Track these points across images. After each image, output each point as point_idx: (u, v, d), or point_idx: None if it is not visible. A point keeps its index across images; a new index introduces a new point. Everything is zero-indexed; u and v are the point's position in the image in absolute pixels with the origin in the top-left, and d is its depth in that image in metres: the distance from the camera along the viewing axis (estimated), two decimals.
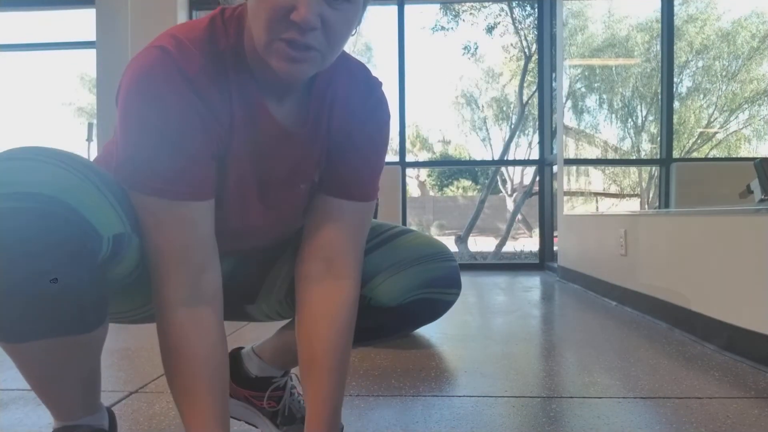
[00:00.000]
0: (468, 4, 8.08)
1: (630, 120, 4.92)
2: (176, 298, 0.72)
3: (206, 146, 0.71)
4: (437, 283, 0.88)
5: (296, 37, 0.64)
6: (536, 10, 5.13)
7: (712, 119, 4.38)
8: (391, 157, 4.67)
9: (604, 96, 5.18)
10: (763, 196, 2.31)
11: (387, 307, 0.86)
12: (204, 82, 0.68)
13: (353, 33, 0.73)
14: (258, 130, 0.75)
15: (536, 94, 5.31)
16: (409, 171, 12.00)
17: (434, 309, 0.90)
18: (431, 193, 13.34)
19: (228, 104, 0.72)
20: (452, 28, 8.44)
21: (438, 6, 8.05)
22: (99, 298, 0.71)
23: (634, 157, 5.01)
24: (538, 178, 4.94)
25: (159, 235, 0.71)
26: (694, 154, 4.45)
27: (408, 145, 6.26)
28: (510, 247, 8.69)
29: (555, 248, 4.36)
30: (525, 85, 8.29)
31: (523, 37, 8.23)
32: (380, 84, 0.84)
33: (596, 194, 5.16)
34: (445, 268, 0.90)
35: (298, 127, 0.78)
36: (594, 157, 5.37)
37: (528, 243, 8.75)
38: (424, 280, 0.87)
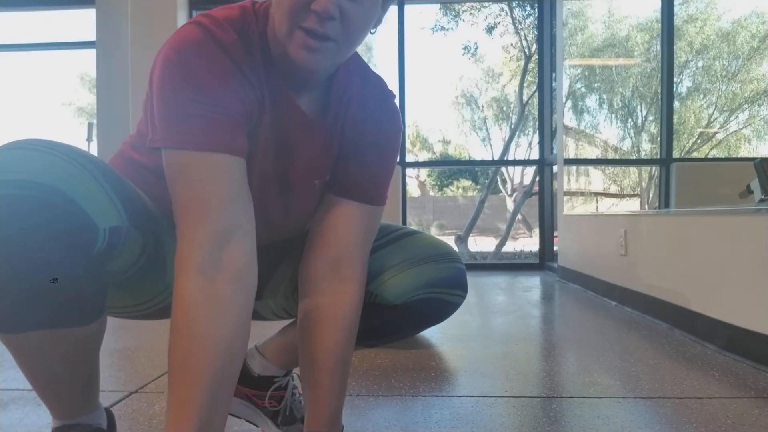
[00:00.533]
0: (468, 4, 8.08)
1: (630, 120, 4.92)
2: (192, 264, 0.66)
3: (241, 107, 0.71)
4: (443, 284, 0.88)
5: (315, 26, 0.66)
6: (536, 10, 5.13)
7: (712, 119, 4.38)
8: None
9: (604, 96, 5.18)
10: (763, 196, 2.31)
11: (393, 304, 0.87)
12: (237, 52, 0.70)
13: (372, 32, 0.75)
14: (283, 116, 0.76)
15: (536, 94, 5.31)
16: (409, 171, 11.99)
17: (439, 309, 0.90)
18: (431, 193, 13.35)
19: (257, 77, 0.73)
20: (452, 28, 8.45)
21: (438, 6, 8.05)
22: (96, 291, 0.71)
23: (634, 157, 5.01)
24: (538, 178, 4.94)
25: (188, 191, 0.67)
26: (694, 154, 4.45)
27: (408, 145, 6.26)
28: (510, 247, 8.70)
29: (555, 248, 4.36)
30: (525, 85, 8.29)
31: (523, 37, 8.23)
32: (394, 96, 0.86)
33: (596, 194, 5.16)
34: (452, 269, 0.90)
35: (320, 117, 0.79)
36: (594, 157, 5.37)
37: (528, 243, 8.76)
38: (430, 279, 0.87)
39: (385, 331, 0.93)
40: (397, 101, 0.87)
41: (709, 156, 4.43)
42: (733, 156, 4.25)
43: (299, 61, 0.68)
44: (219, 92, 0.68)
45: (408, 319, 0.90)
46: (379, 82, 0.85)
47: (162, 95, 0.68)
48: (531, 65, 7.95)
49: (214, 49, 0.68)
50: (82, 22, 4.87)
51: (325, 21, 0.66)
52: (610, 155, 5.18)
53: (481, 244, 9.11)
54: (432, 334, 2.04)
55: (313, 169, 0.82)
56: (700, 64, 4.44)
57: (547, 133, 4.73)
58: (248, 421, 1.05)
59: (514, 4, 7.99)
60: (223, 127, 0.68)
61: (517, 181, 10.50)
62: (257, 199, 0.79)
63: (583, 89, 5.23)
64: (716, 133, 4.38)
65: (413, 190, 12.69)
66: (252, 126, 0.74)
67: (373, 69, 0.86)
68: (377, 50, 8.46)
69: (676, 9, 3.95)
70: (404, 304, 0.86)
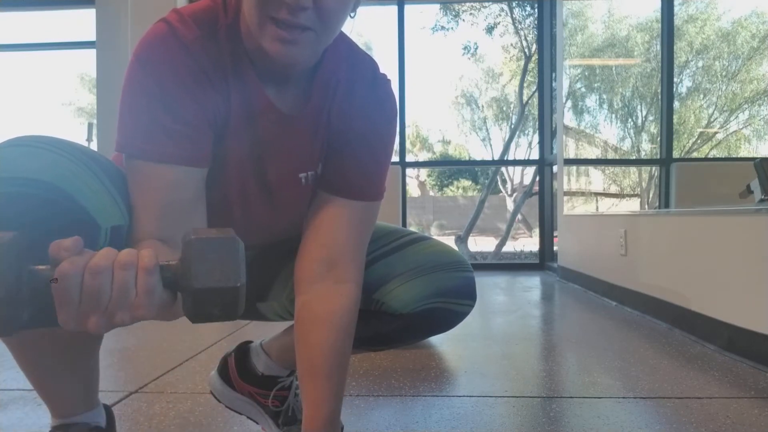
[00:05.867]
0: (468, 4, 8.09)
1: (630, 120, 4.92)
2: None
3: (201, 111, 0.69)
4: (451, 293, 0.86)
5: (287, 17, 0.63)
6: (536, 10, 5.13)
7: (712, 119, 4.38)
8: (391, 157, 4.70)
9: (604, 96, 5.18)
10: (763, 196, 2.31)
11: (398, 313, 0.85)
12: (200, 50, 0.68)
13: (351, 15, 0.71)
14: (254, 114, 0.73)
15: (536, 94, 5.31)
16: (409, 171, 12.01)
17: (447, 319, 0.88)
18: (431, 193, 13.36)
19: (223, 76, 0.70)
20: (452, 28, 8.46)
21: (438, 6, 8.06)
22: None
23: (634, 157, 5.01)
24: (538, 178, 4.94)
25: (141, 200, 0.67)
26: (694, 154, 4.45)
27: (408, 145, 6.26)
28: (510, 247, 8.70)
29: (555, 248, 4.36)
30: (525, 85, 8.30)
31: (523, 37, 8.23)
32: (388, 81, 0.82)
33: (596, 194, 5.17)
34: (460, 279, 0.87)
35: (298, 110, 0.76)
36: (594, 157, 5.38)
37: (528, 243, 8.76)
38: (438, 289, 0.85)
39: (390, 339, 0.91)
40: (394, 87, 0.82)
41: (709, 156, 4.43)
42: (733, 156, 4.25)
43: (275, 54, 0.64)
44: (177, 98, 0.67)
45: (414, 328, 0.88)
46: (369, 66, 0.80)
47: (123, 98, 0.67)
48: (531, 65, 7.96)
49: (175, 50, 0.66)
50: (82, 22, 4.87)
51: (298, 11, 0.62)
52: (610, 155, 5.19)
53: (481, 244, 9.12)
54: None
55: (295, 164, 0.79)
56: (700, 64, 4.44)
57: (547, 133, 4.73)
58: (249, 418, 1.05)
59: (514, 4, 8.00)
60: (179, 136, 0.67)
61: (517, 181, 10.51)
62: (240, 201, 0.77)
63: (583, 89, 5.23)
64: (716, 133, 4.38)
65: (413, 190, 12.70)
66: (219, 128, 0.72)
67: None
68: (377, 50, 8.47)
69: (676, 9, 3.96)
70: (410, 313, 0.84)
